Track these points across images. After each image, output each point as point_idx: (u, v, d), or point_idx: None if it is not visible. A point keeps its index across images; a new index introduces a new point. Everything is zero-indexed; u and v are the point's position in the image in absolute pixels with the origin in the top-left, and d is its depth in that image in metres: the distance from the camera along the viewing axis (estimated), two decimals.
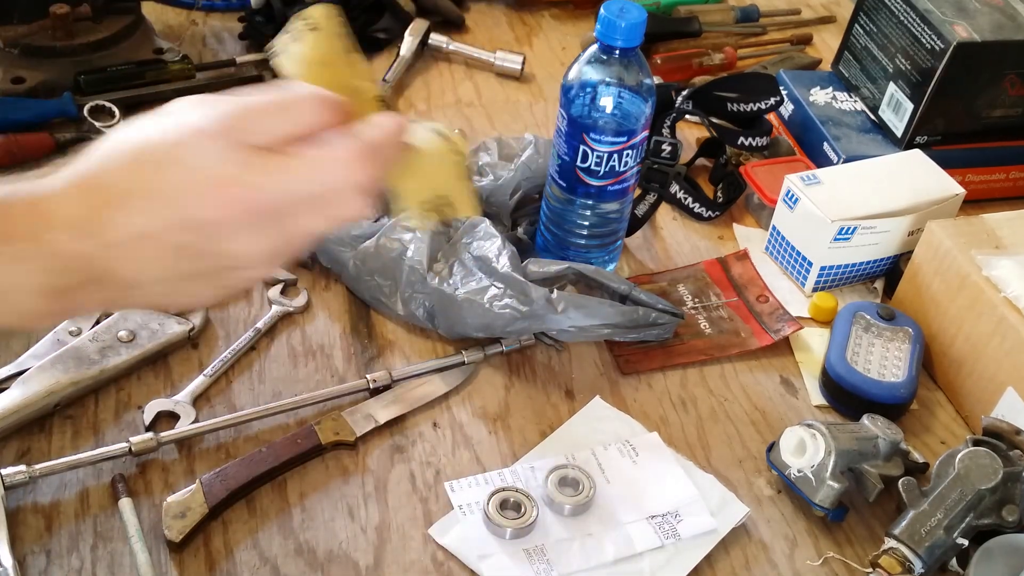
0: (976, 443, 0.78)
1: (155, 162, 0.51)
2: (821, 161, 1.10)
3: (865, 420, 0.80)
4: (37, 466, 0.74)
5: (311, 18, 0.60)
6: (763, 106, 1.11)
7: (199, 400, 0.82)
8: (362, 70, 0.62)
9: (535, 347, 0.90)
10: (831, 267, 0.97)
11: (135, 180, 0.51)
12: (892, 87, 1.09)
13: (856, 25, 1.14)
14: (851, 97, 1.16)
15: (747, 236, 1.05)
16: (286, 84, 0.56)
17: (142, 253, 0.51)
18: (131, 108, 1.09)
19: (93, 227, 0.50)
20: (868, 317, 0.91)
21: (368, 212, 0.56)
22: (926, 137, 1.08)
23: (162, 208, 0.51)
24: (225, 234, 0.52)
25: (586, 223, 0.92)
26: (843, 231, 0.94)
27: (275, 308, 0.90)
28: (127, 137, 0.53)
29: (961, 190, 0.99)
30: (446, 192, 0.61)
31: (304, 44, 0.59)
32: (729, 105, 1.12)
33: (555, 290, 0.86)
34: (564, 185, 0.90)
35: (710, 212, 1.06)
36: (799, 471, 0.78)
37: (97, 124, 1.02)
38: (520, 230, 0.98)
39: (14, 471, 0.73)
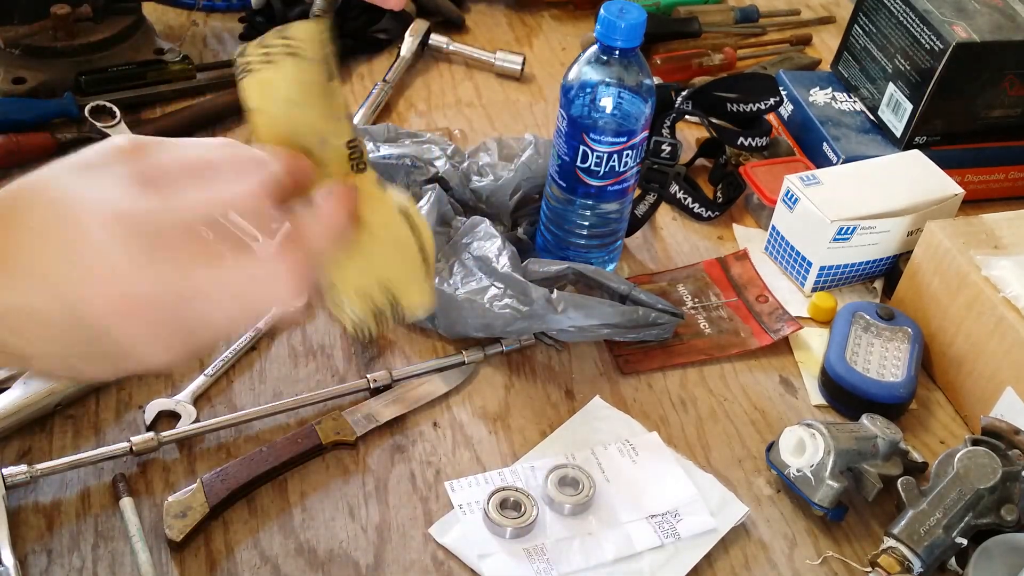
0: (975, 443, 0.78)
1: (56, 240, 0.45)
2: (820, 161, 1.10)
3: (864, 420, 0.80)
4: (38, 466, 0.74)
5: (293, 39, 0.51)
6: (763, 106, 1.12)
7: (200, 400, 0.82)
8: (338, 105, 0.53)
9: (535, 347, 0.90)
10: (830, 267, 0.97)
11: (24, 254, 0.45)
12: (891, 87, 1.09)
13: (855, 26, 1.15)
14: (850, 97, 1.16)
15: (747, 236, 1.06)
16: (231, 147, 0.50)
17: (27, 330, 0.46)
18: (132, 108, 1.09)
19: None
20: (867, 317, 0.91)
21: (297, 304, 0.50)
22: (925, 137, 1.08)
23: (44, 287, 0.45)
24: (108, 325, 0.45)
25: (586, 223, 0.92)
26: (842, 231, 0.94)
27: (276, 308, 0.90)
28: (37, 197, 0.47)
29: (960, 190, 0.99)
30: (393, 281, 0.53)
31: (278, 72, 0.51)
32: (729, 105, 1.13)
33: (555, 290, 0.86)
34: (564, 185, 0.90)
35: (710, 212, 1.06)
36: (798, 471, 0.78)
37: (98, 124, 1.02)
38: (520, 230, 0.98)
39: (15, 471, 0.73)
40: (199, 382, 0.83)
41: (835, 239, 0.95)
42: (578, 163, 0.88)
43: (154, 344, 0.46)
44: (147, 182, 0.47)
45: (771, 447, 0.81)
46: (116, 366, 0.48)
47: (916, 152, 1.03)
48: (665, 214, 1.07)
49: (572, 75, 0.87)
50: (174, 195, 0.47)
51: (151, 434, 0.77)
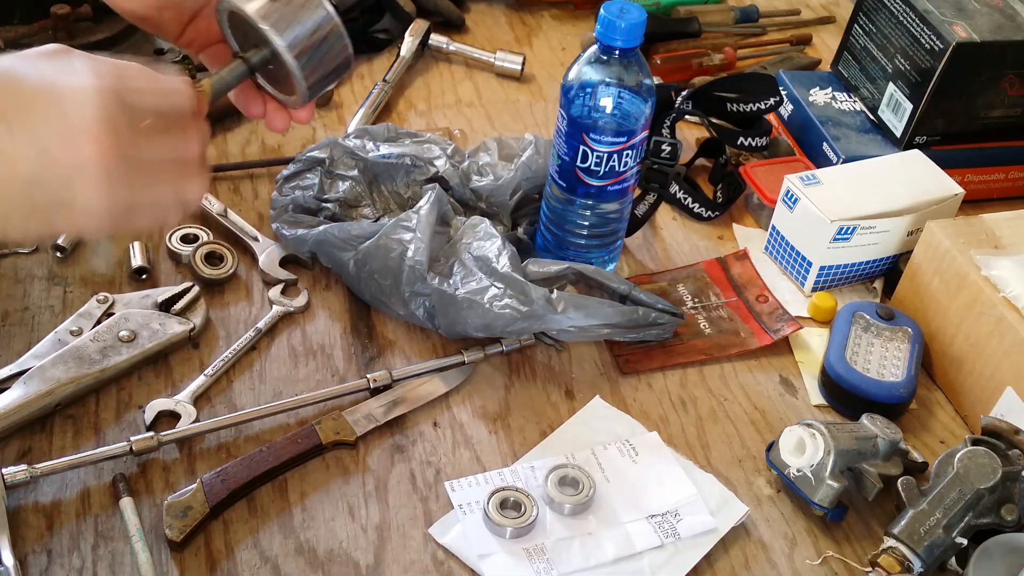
0: (975, 442, 0.78)
1: (34, 93, 0.53)
2: (820, 161, 1.10)
3: (864, 420, 0.81)
4: (38, 466, 0.74)
5: None
6: (763, 106, 1.12)
7: (200, 400, 0.82)
8: None
9: (535, 347, 0.90)
10: (830, 267, 0.97)
11: (6, 101, 0.53)
12: (891, 87, 1.09)
13: (855, 25, 1.15)
14: (850, 97, 1.16)
15: (747, 236, 1.06)
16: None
17: None
18: None
19: None
20: (867, 317, 0.91)
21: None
22: (925, 137, 1.08)
23: (24, 134, 0.52)
24: (77, 175, 0.54)
25: (586, 223, 0.92)
26: (842, 231, 0.94)
27: (275, 308, 0.90)
28: (14, 63, 0.55)
29: (960, 190, 0.99)
30: None
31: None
32: (729, 105, 1.13)
33: (555, 290, 0.86)
34: (564, 185, 0.90)
35: (710, 212, 1.06)
36: (798, 470, 0.78)
37: None
38: (520, 230, 0.98)
39: (15, 471, 0.73)
40: (199, 382, 0.83)
41: (835, 239, 0.95)
42: (578, 163, 0.88)
43: (104, 200, 0.55)
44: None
45: (771, 447, 0.81)
46: (50, 223, 0.55)
47: (916, 152, 1.03)
48: (665, 214, 1.07)
49: (572, 75, 0.87)
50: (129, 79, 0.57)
51: (151, 434, 0.77)
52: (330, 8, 0.64)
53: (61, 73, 0.55)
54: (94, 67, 0.55)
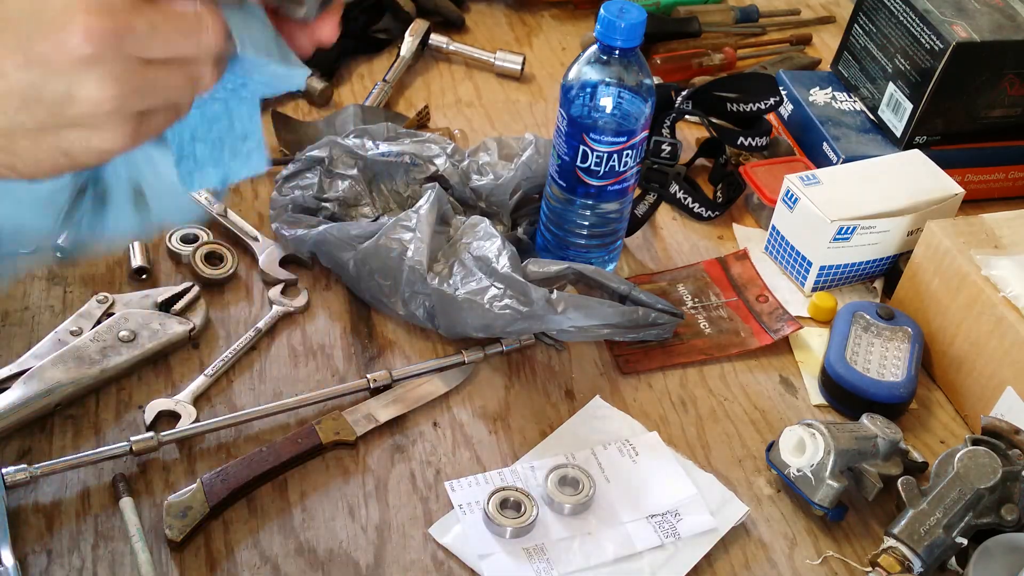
0: (975, 442, 0.78)
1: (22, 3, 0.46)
2: (820, 161, 1.10)
3: (864, 419, 0.81)
4: (38, 466, 0.74)
5: None
6: (763, 106, 1.12)
7: (200, 400, 0.82)
8: None
9: (535, 347, 0.90)
10: (830, 267, 0.97)
11: None
12: (891, 87, 1.09)
13: (855, 25, 1.15)
14: (850, 97, 1.16)
15: (747, 236, 1.06)
16: None
17: None
18: None
19: None
20: (867, 317, 0.91)
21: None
22: (925, 137, 1.08)
23: (6, 35, 0.46)
24: (72, 73, 0.46)
25: (586, 223, 0.92)
26: (842, 231, 0.94)
27: (275, 308, 0.90)
28: None
29: (960, 190, 0.99)
30: None
31: None
32: (729, 105, 1.13)
33: (555, 290, 0.86)
34: (564, 185, 0.90)
35: (710, 212, 1.06)
36: (798, 470, 0.78)
37: None
38: (520, 230, 0.98)
39: (15, 471, 0.73)
40: (199, 382, 0.83)
41: (835, 239, 0.95)
42: (578, 163, 0.88)
43: (105, 91, 0.47)
44: None
45: (771, 447, 0.81)
46: (59, 142, 0.48)
47: (916, 152, 1.03)
48: (665, 214, 1.07)
49: (572, 75, 0.87)
50: None
51: (151, 434, 0.77)
52: None
53: None
54: None
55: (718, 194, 1.09)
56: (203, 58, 0.50)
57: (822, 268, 0.97)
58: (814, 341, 0.94)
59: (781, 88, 1.14)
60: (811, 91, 1.16)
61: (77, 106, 0.47)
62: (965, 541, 0.74)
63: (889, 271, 1.00)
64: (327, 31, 0.58)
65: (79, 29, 0.45)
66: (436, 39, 1.25)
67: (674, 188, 1.06)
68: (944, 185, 0.99)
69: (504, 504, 0.76)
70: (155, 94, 0.49)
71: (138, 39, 0.47)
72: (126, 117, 0.48)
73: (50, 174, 0.50)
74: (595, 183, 0.89)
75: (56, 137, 0.48)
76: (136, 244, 0.92)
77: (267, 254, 0.94)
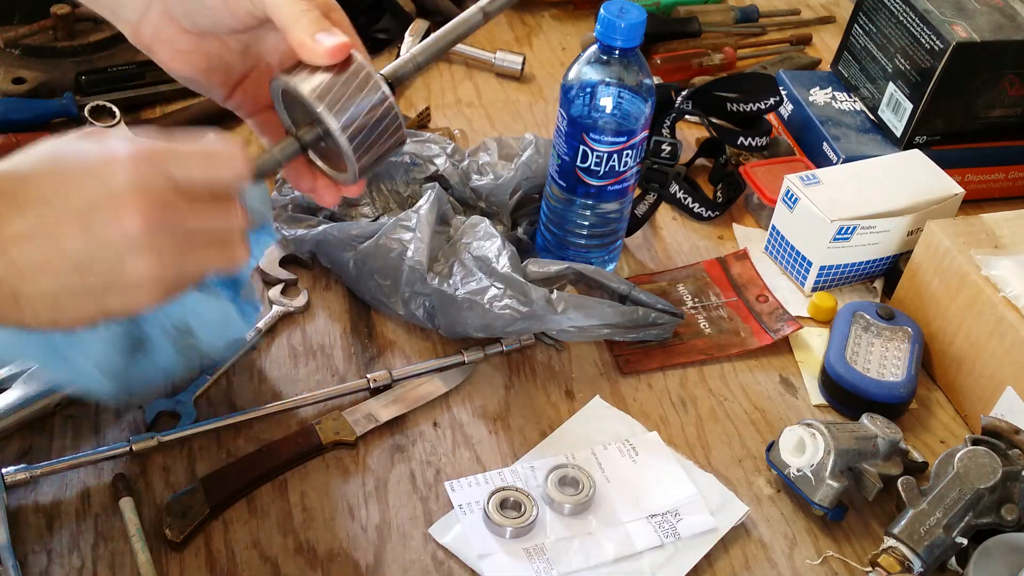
0: (975, 442, 0.78)
1: (71, 170, 0.52)
2: (820, 161, 1.10)
3: (864, 419, 0.81)
4: (38, 466, 0.74)
5: None
6: (763, 106, 1.12)
7: (200, 400, 0.82)
8: None
9: (535, 347, 0.90)
10: (830, 267, 0.97)
11: (45, 183, 0.52)
12: (891, 87, 1.09)
13: (855, 25, 1.15)
14: (850, 97, 1.16)
15: (747, 236, 1.06)
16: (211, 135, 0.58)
17: (34, 255, 0.51)
18: (132, 108, 1.09)
19: None
20: (867, 317, 0.91)
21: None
22: (925, 137, 1.08)
23: (66, 212, 0.51)
24: (125, 250, 0.52)
25: (586, 223, 0.92)
26: (842, 231, 0.94)
27: (275, 308, 0.90)
28: (51, 145, 0.54)
29: (960, 190, 0.99)
30: None
31: None
32: (729, 105, 1.13)
33: (555, 290, 0.86)
34: (564, 185, 0.90)
35: (710, 212, 1.06)
36: (798, 470, 0.78)
37: (98, 124, 1.02)
38: (520, 230, 0.98)
39: (15, 471, 0.73)
40: (199, 382, 0.83)
41: (835, 239, 0.95)
42: (578, 163, 0.88)
43: (153, 271, 0.53)
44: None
45: (771, 447, 0.81)
46: (101, 303, 0.54)
47: (916, 152, 1.03)
48: (665, 214, 1.07)
49: (572, 75, 0.87)
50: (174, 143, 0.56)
51: (151, 434, 0.77)
52: (386, 89, 0.62)
53: (97, 146, 0.53)
54: (131, 138, 0.54)
55: (718, 194, 1.09)
56: (237, 239, 0.57)
57: (822, 268, 0.97)
58: (814, 341, 0.94)
59: (781, 88, 1.14)
60: (811, 91, 1.16)
61: (124, 277, 0.53)
62: (965, 541, 0.74)
63: (889, 271, 1.00)
64: (355, 191, 0.68)
65: (135, 213, 0.52)
66: None
67: (674, 188, 1.06)
68: (944, 185, 0.99)
69: (504, 504, 0.76)
70: (195, 267, 0.56)
71: (184, 224, 0.54)
72: (165, 285, 0.54)
73: (85, 326, 0.56)
74: (595, 183, 0.89)
75: (98, 299, 0.53)
76: None
77: (267, 254, 0.94)
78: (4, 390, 0.78)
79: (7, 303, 0.52)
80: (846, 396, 0.87)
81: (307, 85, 0.61)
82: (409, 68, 0.66)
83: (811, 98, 1.15)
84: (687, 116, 1.14)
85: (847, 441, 0.77)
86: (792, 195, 0.97)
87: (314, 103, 0.60)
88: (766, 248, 1.03)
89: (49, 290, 0.52)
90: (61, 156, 0.53)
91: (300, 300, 0.91)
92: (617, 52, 0.84)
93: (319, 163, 0.67)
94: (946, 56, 1.01)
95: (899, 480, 0.77)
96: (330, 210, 0.96)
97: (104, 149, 0.53)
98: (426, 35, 1.24)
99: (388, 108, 0.62)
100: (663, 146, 1.05)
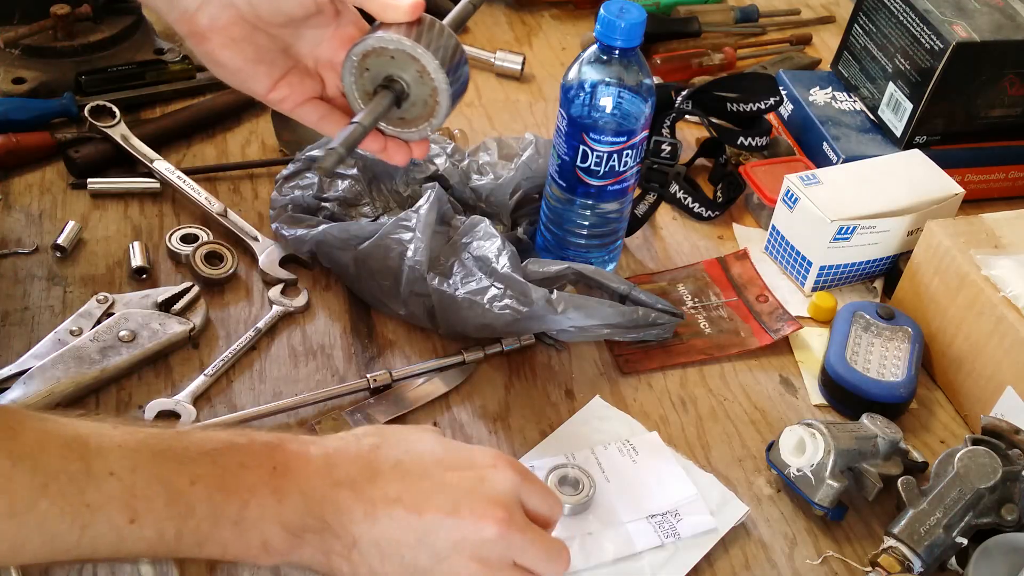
0: (975, 442, 0.78)
1: (433, 506, 0.60)
2: (820, 161, 1.10)
3: (864, 419, 0.81)
4: None
5: None
6: (763, 106, 1.12)
7: (200, 400, 0.82)
8: None
9: (535, 347, 0.90)
10: (830, 267, 0.97)
11: (405, 492, 0.61)
12: (891, 87, 1.09)
13: (855, 25, 1.15)
14: (850, 97, 1.16)
15: (747, 236, 1.06)
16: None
17: (370, 564, 0.60)
18: (132, 108, 1.09)
19: (362, 492, 0.60)
20: (867, 316, 0.91)
21: None
22: (925, 137, 1.08)
23: (438, 499, 0.60)
24: (468, 549, 0.60)
25: (586, 223, 0.92)
26: (842, 231, 0.94)
27: (275, 308, 0.90)
28: (424, 451, 0.63)
29: (960, 190, 0.99)
30: None
31: None
32: (729, 105, 1.13)
33: (555, 290, 0.86)
34: (564, 185, 0.90)
35: (710, 212, 1.06)
36: (799, 470, 0.78)
37: (98, 124, 1.02)
38: (520, 230, 0.98)
39: None
40: (199, 382, 0.83)
41: (835, 239, 0.95)
42: (578, 163, 0.88)
43: None
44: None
45: (771, 447, 0.81)
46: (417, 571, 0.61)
47: (916, 152, 1.03)
48: (665, 214, 1.07)
49: (572, 75, 0.87)
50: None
51: None
52: (454, 35, 0.69)
53: (461, 452, 0.64)
54: (490, 450, 0.65)
55: (718, 194, 1.09)
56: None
57: (822, 268, 0.97)
58: (814, 341, 0.94)
59: (781, 88, 1.14)
60: (811, 91, 1.16)
61: (447, 565, 0.60)
62: (965, 541, 0.74)
63: (889, 271, 1.00)
64: (420, 151, 0.73)
65: (496, 523, 0.60)
66: None
67: (674, 188, 1.06)
68: (944, 185, 0.99)
69: None
70: None
71: (520, 548, 0.61)
72: None
73: None
74: (595, 183, 0.89)
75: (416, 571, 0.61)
76: (136, 244, 0.92)
77: (267, 254, 0.94)
78: (4, 390, 0.78)
79: (343, 551, 0.60)
80: (846, 396, 0.87)
81: (399, 36, 0.66)
82: (467, 10, 0.73)
83: (811, 98, 1.15)
84: (687, 116, 1.14)
85: (847, 441, 0.77)
86: (792, 195, 0.97)
87: (412, 47, 0.66)
88: (766, 248, 1.03)
89: (379, 570, 0.60)
90: (430, 477, 0.62)
91: (300, 300, 0.91)
92: (617, 52, 0.84)
93: (388, 129, 0.72)
94: (946, 56, 1.01)
95: (899, 480, 0.77)
96: (330, 210, 0.96)
97: (476, 456, 0.64)
98: None
99: (462, 51, 0.69)
100: (663, 146, 1.05)
